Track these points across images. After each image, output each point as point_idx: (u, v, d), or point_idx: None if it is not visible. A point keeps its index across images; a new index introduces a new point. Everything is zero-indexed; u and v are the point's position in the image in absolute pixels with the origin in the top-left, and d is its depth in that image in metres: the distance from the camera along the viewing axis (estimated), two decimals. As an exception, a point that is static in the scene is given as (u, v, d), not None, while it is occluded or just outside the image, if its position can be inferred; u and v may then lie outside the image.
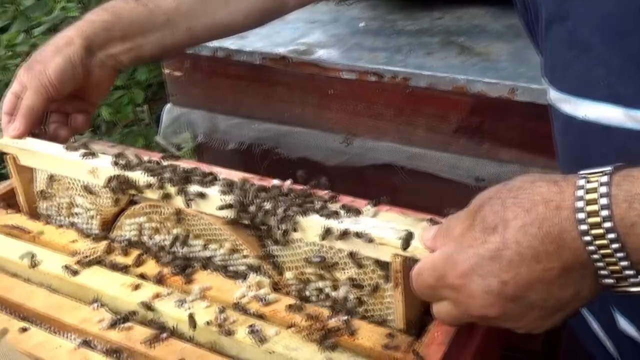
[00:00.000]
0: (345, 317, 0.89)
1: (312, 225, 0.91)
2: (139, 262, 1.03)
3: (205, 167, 1.18)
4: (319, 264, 0.92)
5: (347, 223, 0.90)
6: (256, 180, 1.16)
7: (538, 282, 0.67)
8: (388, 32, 1.59)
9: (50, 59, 1.13)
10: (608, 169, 0.66)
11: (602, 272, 0.66)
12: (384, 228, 0.87)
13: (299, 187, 1.10)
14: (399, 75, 1.38)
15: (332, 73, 1.45)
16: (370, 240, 0.86)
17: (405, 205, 1.06)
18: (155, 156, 1.22)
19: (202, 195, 0.98)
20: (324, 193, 1.12)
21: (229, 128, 1.61)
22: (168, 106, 1.71)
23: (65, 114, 1.22)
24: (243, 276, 0.98)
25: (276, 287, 0.97)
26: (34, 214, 1.17)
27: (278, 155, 1.58)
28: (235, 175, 1.17)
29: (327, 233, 0.89)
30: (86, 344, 0.90)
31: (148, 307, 0.93)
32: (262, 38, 1.53)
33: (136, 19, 1.16)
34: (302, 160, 1.55)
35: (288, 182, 1.14)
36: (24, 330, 0.92)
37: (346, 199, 1.10)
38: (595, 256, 0.64)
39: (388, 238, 0.85)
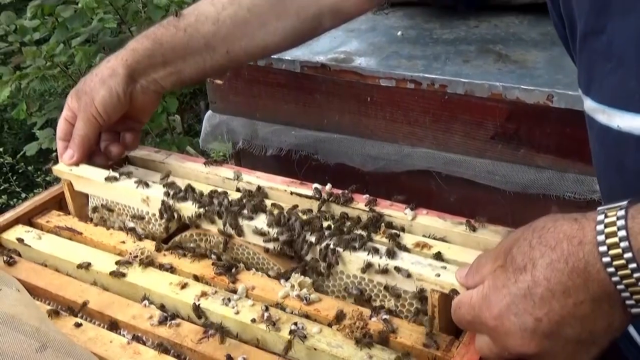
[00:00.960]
0: (386, 316, 0.92)
1: (353, 260, 0.97)
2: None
3: (247, 172, 1.22)
4: (358, 296, 0.98)
5: (388, 258, 0.95)
6: (297, 185, 1.19)
7: (571, 317, 0.70)
8: (425, 40, 1.61)
9: (96, 91, 1.18)
10: (624, 203, 0.69)
11: (629, 301, 0.68)
12: (422, 264, 0.93)
13: (338, 191, 1.14)
14: (436, 83, 1.40)
15: (371, 80, 1.47)
16: (409, 276, 0.92)
17: (442, 211, 1.09)
18: (199, 161, 1.27)
19: (249, 228, 1.05)
20: (364, 197, 1.15)
21: (268, 135, 1.65)
22: (209, 113, 1.75)
23: (115, 132, 1.27)
24: (286, 276, 1.01)
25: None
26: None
27: (316, 161, 1.61)
28: (276, 180, 1.21)
29: (367, 267, 0.95)
30: (137, 339, 0.93)
31: (197, 311, 0.96)
32: (301, 47, 1.55)
33: (176, 45, 1.20)
34: (340, 166, 1.58)
35: (328, 187, 1.17)
36: (78, 325, 0.95)
37: (385, 204, 1.13)
38: (621, 286, 0.67)
39: (426, 275, 0.91)
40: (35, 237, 1.13)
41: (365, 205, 1.14)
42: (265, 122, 1.65)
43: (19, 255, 1.12)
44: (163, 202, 1.12)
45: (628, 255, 0.66)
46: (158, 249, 1.08)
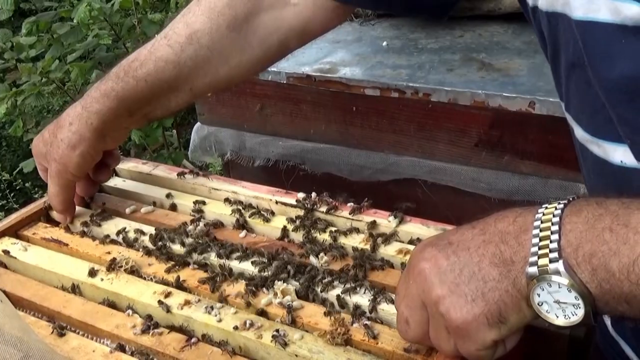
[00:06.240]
0: (367, 322, 0.92)
1: (345, 302, 0.98)
2: (169, 272, 1.07)
3: (232, 182, 1.23)
4: None
5: (377, 300, 0.97)
6: (282, 194, 1.21)
7: (474, 249, 0.74)
8: (410, 50, 1.63)
9: (68, 158, 1.16)
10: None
11: (532, 258, 0.70)
12: None
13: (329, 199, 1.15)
14: (420, 91, 1.41)
15: (356, 90, 1.48)
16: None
17: (428, 219, 1.10)
18: (178, 170, 1.32)
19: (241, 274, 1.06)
20: (348, 206, 1.16)
21: (255, 145, 1.66)
22: (197, 125, 1.76)
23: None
24: (269, 285, 1.02)
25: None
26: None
27: (303, 171, 1.62)
28: (261, 190, 1.22)
29: (356, 309, 0.96)
30: (120, 348, 0.94)
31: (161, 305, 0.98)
32: (287, 58, 1.56)
33: (139, 96, 1.16)
34: (327, 175, 1.59)
35: (313, 195, 1.19)
36: (61, 335, 0.96)
37: (369, 211, 1.15)
38: (534, 240, 0.70)
39: None
40: (21, 249, 1.14)
41: (350, 213, 1.15)
42: (252, 133, 1.66)
43: (5, 267, 1.12)
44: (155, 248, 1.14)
45: (555, 228, 0.69)
46: (142, 260, 1.09)
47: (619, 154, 0.78)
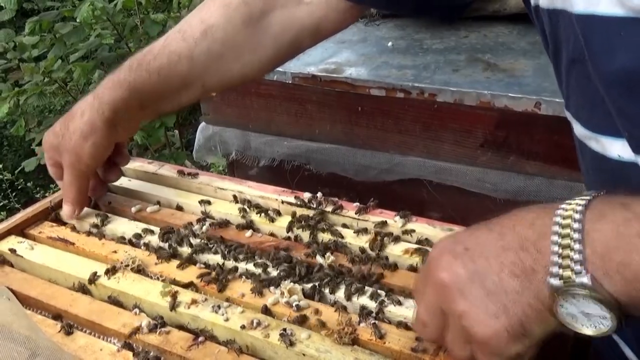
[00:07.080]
0: (374, 321, 0.93)
1: (350, 303, 0.98)
2: (176, 271, 1.07)
3: (238, 181, 1.23)
4: None
5: (385, 302, 0.96)
6: (288, 194, 1.21)
7: (493, 257, 0.71)
8: (415, 50, 1.63)
9: (81, 147, 1.16)
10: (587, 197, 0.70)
11: (554, 268, 0.67)
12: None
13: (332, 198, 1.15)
14: (425, 92, 1.41)
15: (361, 90, 1.48)
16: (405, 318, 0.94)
17: (433, 219, 1.10)
18: (192, 172, 1.29)
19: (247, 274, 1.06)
20: (354, 205, 1.16)
21: (261, 145, 1.66)
22: (202, 125, 1.76)
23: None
24: (276, 284, 1.02)
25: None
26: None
27: (308, 171, 1.62)
28: (267, 190, 1.23)
29: (363, 309, 0.96)
30: (127, 346, 0.94)
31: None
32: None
33: (152, 89, 1.17)
34: (332, 175, 1.59)
35: (319, 195, 1.19)
36: (69, 333, 0.96)
37: (375, 211, 1.15)
38: (554, 247, 0.67)
39: None
40: (28, 248, 1.14)
41: (356, 213, 1.15)
42: (257, 133, 1.66)
43: (12, 265, 1.13)
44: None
45: (577, 225, 0.67)
46: (149, 259, 1.09)
47: (617, 148, 0.77)
